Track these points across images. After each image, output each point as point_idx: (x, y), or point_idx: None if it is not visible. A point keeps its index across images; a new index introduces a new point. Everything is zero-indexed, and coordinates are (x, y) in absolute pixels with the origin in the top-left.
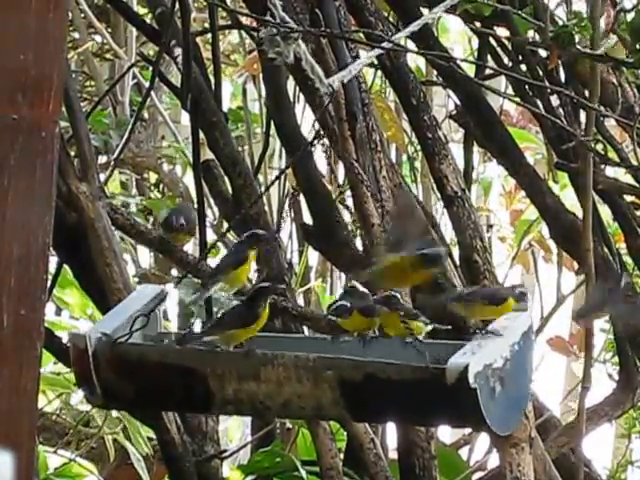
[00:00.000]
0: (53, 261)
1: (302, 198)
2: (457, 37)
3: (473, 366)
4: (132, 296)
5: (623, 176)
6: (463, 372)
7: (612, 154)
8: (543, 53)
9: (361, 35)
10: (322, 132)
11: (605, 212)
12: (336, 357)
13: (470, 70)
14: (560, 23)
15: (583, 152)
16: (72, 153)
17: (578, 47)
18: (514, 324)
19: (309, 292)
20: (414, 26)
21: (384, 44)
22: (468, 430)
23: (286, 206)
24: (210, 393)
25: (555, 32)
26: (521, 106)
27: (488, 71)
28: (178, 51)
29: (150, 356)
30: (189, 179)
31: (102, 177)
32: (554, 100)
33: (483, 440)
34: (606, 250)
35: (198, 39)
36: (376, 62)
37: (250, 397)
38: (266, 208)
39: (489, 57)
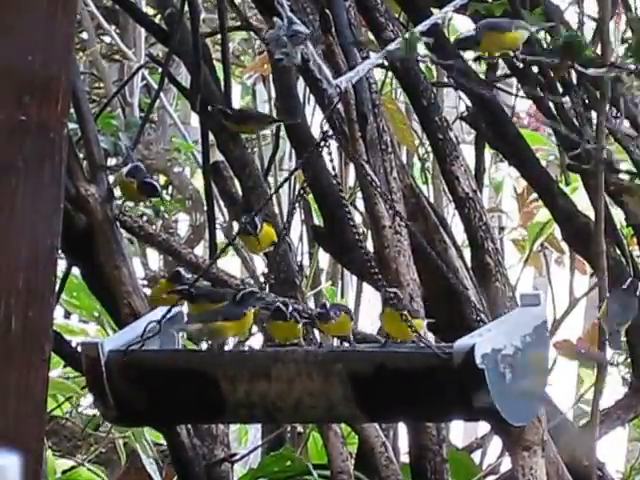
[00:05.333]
0: (62, 264)
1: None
2: None
3: (480, 347)
4: (147, 315)
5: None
6: (469, 352)
7: (623, 155)
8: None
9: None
10: (331, 133)
11: (618, 214)
12: (345, 350)
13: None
14: (570, 25)
15: (595, 155)
16: (81, 155)
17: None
18: (526, 316)
19: (319, 295)
20: (423, 25)
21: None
22: (480, 433)
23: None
24: (222, 397)
25: (564, 40)
26: (533, 101)
27: (500, 72)
28: (187, 52)
29: (160, 362)
30: (199, 181)
31: (111, 179)
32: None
33: (496, 444)
34: (618, 252)
35: (207, 40)
36: (386, 63)
37: (262, 398)
38: (276, 210)
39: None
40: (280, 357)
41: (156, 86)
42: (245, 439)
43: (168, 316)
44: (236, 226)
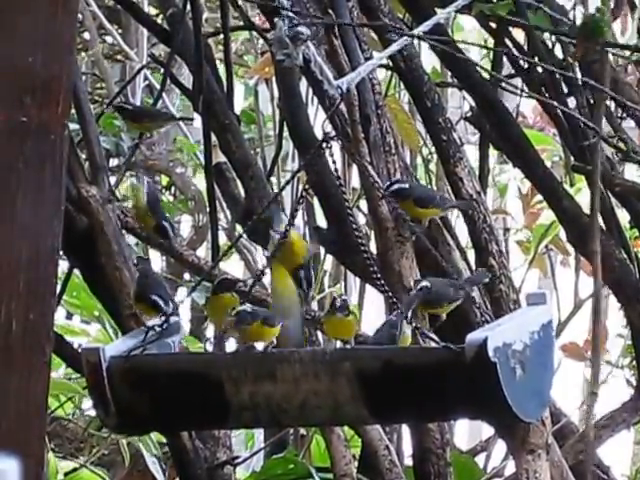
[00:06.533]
0: (63, 265)
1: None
2: (473, 38)
3: (492, 341)
4: (147, 324)
5: None
6: (482, 345)
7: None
8: (560, 54)
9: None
10: (333, 134)
11: (623, 216)
12: (352, 348)
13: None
14: (577, 21)
15: (594, 150)
16: (82, 156)
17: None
18: (533, 314)
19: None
20: (426, 25)
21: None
22: (485, 436)
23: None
24: (226, 399)
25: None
26: (538, 100)
27: (505, 72)
28: (190, 52)
29: (162, 365)
30: (201, 182)
31: (113, 180)
32: (570, 102)
33: (500, 447)
34: (624, 254)
35: (210, 40)
36: (390, 64)
37: (267, 399)
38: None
39: (505, 58)
40: (286, 357)
41: (158, 86)
42: (251, 443)
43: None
44: (238, 227)
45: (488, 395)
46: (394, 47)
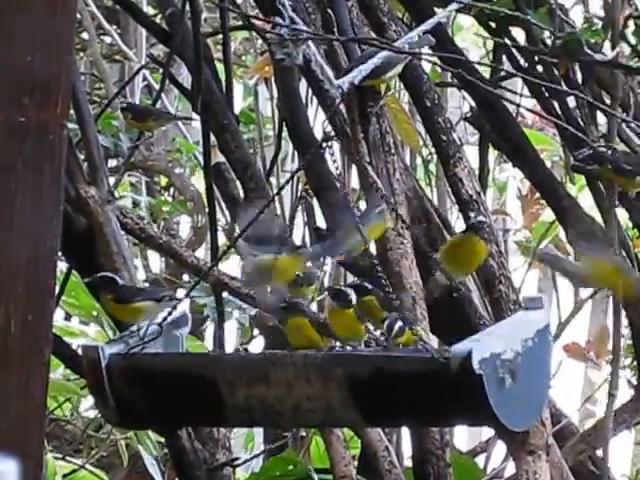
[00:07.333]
0: (62, 266)
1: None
2: (472, 37)
3: (477, 352)
4: (150, 319)
5: None
6: (467, 357)
7: None
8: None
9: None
10: (334, 134)
11: (623, 216)
12: (344, 353)
13: (485, 71)
14: (576, 23)
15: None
16: (81, 156)
17: (588, 52)
18: (528, 320)
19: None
20: (426, 25)
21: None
22: (485, 437)
23: (298, 209)
24: (221, 400)
25: (563, 40)
26: (535, 114)
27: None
28: (189, 52)
29: (160, 365)
30: (200, 182)
31: (112, 180)
32: (571, 101)
33: (500, 448)
34: (624, 254)
35: (209, 40)
36: None
37: (261, 402)
38: (278, 212)
39: (504, 57)
40: (279, 360)
41: (157, 87)
42: (251, 445)
43: (170, 319)
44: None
45: (475, 404)
46: (398, 43)
